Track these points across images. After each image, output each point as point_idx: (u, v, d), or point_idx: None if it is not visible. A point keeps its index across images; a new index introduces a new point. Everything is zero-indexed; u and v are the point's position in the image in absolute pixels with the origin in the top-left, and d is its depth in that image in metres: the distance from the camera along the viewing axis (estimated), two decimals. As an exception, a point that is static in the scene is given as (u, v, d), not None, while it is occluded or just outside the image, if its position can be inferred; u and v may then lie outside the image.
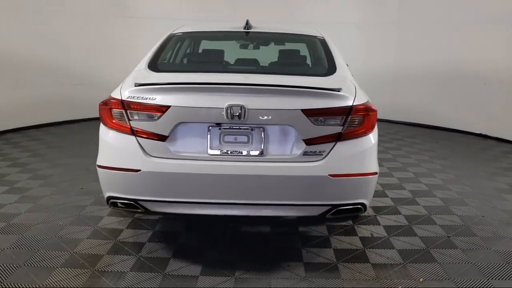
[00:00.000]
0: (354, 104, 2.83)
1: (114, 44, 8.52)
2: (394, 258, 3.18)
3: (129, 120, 2.84)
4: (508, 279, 2.92)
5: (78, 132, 7.44)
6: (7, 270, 2.89)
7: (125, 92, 2.87)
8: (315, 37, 3.91)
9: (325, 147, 2.82)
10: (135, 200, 2.89)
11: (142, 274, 2.90)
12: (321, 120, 2.80)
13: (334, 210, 2.89)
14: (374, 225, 3.74)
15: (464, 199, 4.41)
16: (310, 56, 4.08)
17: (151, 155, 2.83)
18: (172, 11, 8.56)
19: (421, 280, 2.89)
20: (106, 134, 2.96)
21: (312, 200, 2.87)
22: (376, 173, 2.95)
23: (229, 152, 2.83)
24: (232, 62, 3.91)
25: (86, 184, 4.63)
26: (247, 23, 3.90)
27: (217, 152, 2.82)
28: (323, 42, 3.76)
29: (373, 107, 2.91)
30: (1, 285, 2.72)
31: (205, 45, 4.20)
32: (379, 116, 3.09)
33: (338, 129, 2.82)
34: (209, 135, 2.82)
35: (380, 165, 3.34)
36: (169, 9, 8.65)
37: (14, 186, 4.54)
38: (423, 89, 8.27)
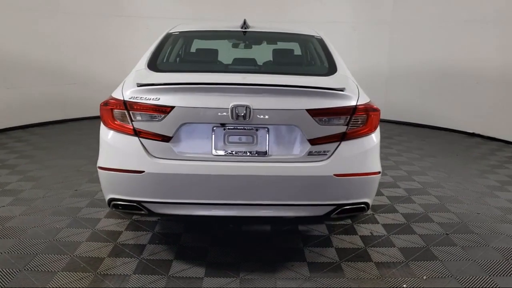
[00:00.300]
0: (358, 103, 2.84)
1: (108, 43, 8.43)
2: (396, 256, 3.21)
3: (131, 120, 2.80)
4: (510, 275, 2.97)
5: (64, 133, 7.30)
6: (7, 275, 2.82)
7: (127, 92, 2.82)
8: (313, 36, 3.92)
9: (330, 147, 2.83)
10: (139, 202, 2.85)
11: (146, 277, 2.86)
12: (326, 120, 2.80)
13: (339, 209, 2.89)
14: (373, 224, 3.77)
15: (458, 197, 4.48)
16: (309, 56, 4.08)
17: (154, 156, 2.79)
18: (166, 11, 8.50)
19: (424, 277, 2.92)
20: (107, 135, 2.89)
21: (317, 200, 2.87)
22: (379, 172, 2.97)
23: (233, 152, 2.81)
24: (231, 62, 3.89)
25: (79, 186, 4.55)
26: (244, 22, 3.88)
27: (222, 152, 2.80)
28: (322, 42, 3.77)
29: (376, 107, 2.93)
30: (2, 291, 2.66)
31: (204, 44, 4.16)
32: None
33: (343, 128, 2.82)
34: (213, 136, 2.79)
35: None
36: (163, 8, 8.57)
37: (5, 188, 4.44)
38: (416, 88, 8.36)
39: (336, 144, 2.83)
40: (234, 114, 2.72)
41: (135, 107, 2.78)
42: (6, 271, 2.87)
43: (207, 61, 3.72)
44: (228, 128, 2.80)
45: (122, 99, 2.81)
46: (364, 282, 2.86)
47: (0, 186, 4.50)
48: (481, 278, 2.91)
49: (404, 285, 2.83)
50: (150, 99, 2.75)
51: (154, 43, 3.64)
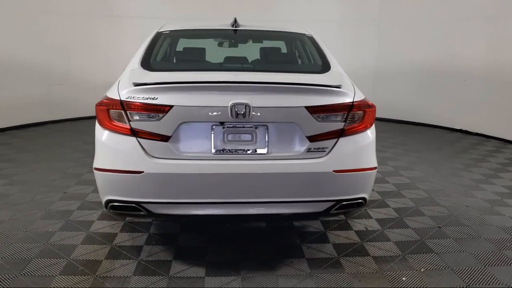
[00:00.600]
0: (354, 100, 2.88)
1: (96, 43, 8.31)
2: (392, 250, 3.26)
3: (129, 120, 2.76)
4: (505, 265, 3.05)
5: (46, 134, 7.15)
6: (3, 281, 2.75)
7: (124, 92, 2.78)
8: (304, 35, 3.94)
9: (328, 143, 2.85)
10: (138, 203, 2.82)
11: (146, 278, 2.83)
12: (324, 116, 2.82)
13: (338, 205, 2.92)
14: (367, 219, 3.81)
15: (446, 190, 4.58)
16: (304, 53, 4.10)
17: (153, 156, 2.76)
18: (154, 11, 8.42)
19: (422, 270, 2.97)
20: (103, 136, 2.84)
21: (317, 196, 2.89)
22: (376, 167, 3.01)
23: (233, 150, 2.80)
24: (223, 60, 3.87)
25: (68, 188, 4.47)
26: (235, 21, 3.87)
27: (221, 151, 2.79)
28: (313, 40, 3.79)
29: (371, 103, 2.97)
30: (0, 297, 2.60)
31: (195, 43, 4.13)
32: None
33: (340, 125, 2.85)
34: (212, 134, 2.78)
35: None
36: (151, 8, 8.49)
37: (-9, 192, 4.33)
38: (404, 86, 8.47)
39: (334, 140, 2.86)
40: (234, 112, 2.71)
41: (132, 106, 2.74)
42: (2, 277, 2.79)
43: (200, 60, 3.69)
44: (227, 127, 2.79)
45: (118, 99, 2.77)
46: (364, 277, 2.89)
47: (-15, 190, 4.39)
48: (477, 269, 2.98)
49: (404, 278, 2.87)
50: (147, 98, 2.72)
51: (145, 42, 3.59)
